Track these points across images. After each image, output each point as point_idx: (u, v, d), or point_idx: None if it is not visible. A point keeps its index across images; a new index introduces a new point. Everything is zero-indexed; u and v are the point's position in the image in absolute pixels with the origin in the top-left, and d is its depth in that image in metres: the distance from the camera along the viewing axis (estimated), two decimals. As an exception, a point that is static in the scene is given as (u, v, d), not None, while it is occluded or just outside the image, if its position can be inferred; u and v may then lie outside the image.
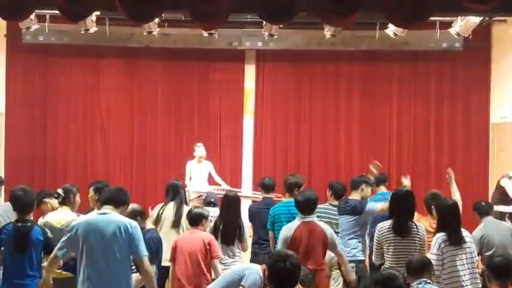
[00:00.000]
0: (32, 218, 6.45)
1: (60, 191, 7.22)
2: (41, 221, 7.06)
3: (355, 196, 8.05)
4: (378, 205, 7.91)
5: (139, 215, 6.60)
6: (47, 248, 6.23)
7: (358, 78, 13.52)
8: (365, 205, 7.84)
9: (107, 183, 7.79)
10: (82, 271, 5.52)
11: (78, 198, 7.36)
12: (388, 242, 6.48)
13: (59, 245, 5.69)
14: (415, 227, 6.51)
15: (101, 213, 5.65)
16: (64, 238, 5.66)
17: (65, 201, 7.17)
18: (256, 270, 5.67)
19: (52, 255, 5.73)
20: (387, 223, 6.57)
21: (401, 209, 6.56)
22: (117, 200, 5.73)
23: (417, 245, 6.44)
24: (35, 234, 6.23)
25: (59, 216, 7.03)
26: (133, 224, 5.59)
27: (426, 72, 13.43)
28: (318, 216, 7.53)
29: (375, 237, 6.65)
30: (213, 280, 6.39)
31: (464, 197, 9.91)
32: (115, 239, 5.46)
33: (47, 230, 6.45)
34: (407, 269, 5.55)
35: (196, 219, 7.20)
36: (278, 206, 7.93)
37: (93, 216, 5.73)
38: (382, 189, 9.28)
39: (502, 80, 13.02)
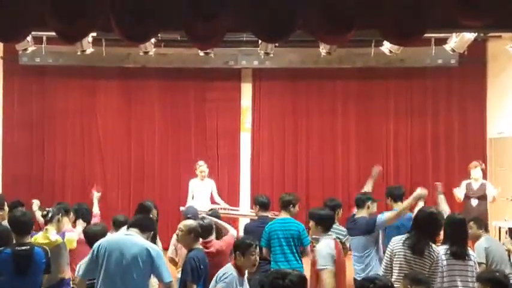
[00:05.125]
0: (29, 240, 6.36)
1: (50, 209, 7.23)
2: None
3: (362, 214, 7.84)
4: (385, 215, 7.72)
5: (194, 233, 6.55)
6: (47, 269, 6.22)
7: (354, 95, 13.56)
8: (376, 222, 7.62)
9: None
10: None
11: (66, 219, 7.38)
12: (399, 257, 6.23)
13: (84, 267, 5.69)
14: (432, 249, 6.22)
15: (127, 234, 5.66)
16: (89, 258, 5.68)
17: (52, 219, 7.18)
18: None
19: (78, 280, 5.75)
20: (399, 238, 6.36)
21: (424, 230, 6.29)
22: (144, 227, 5.80)
23: (428, 266, 6.14)
24: (37, 257, 6.15)
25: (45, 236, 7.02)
26: (155, 249, 5.65)
27: (422, 88, 13.47)
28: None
29: (387, 251, 6.39)
30: None
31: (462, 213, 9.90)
32: (135, 262, 5.49)
33: (48, 249, 6.39)
34: (416, 280, 5.34)
35: (208, 230, 7.20)
36: (274, 222, 7.93)
37: (117, 236, 5.75)
38: (399, 205, 8.47)
39: (498, 95, 13.06)
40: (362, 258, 7.66)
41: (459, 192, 11.07)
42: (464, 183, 11.22)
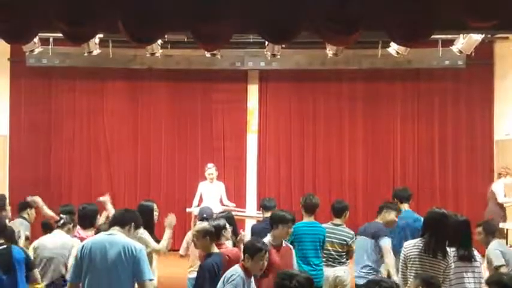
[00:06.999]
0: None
1: (64, 217, 7.37)
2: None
3: (378, 219, 7.62)
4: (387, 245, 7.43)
5: (210, 236, 6.44)
6: (29, 265, 6.42)
7: (361, 96, 13.54)
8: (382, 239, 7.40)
9: None
10: None
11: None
12: (414, 262, 6.15)
13: (71, 270, 5.73)
14: (447, 252, 6.13)
15: (108, 234, 5.66)
16: (74, 261, 5.70)
17: (63, 226, 7.35)
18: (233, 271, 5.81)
19: (69, 285, 5.75)
20: (412, 243, 6.27)
21: (437, 232, 6.15)
22: (123, 221, 5.70)
23: (443, 269, 6.07)
24: (16, 254, 6.31)
25: (53, 239, 7.20)
26: (138, 247, 5.55)
27: (429, 90, 13.44)
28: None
29: (401, 257, 6.29)
30: None
31: (470, 214, 9.89)
32: (119, 260, 5.45)
33: (25, 248, 6.58)
34: (429, 283, 5.28)
35: (217, 230, 7.11)
36: (299, 225, 7.64)
37: (99, 236, 5.75)
38: (405, 206, 8.55)
39: (505, 96, 13.03)
40: (363, 259, 7.49)
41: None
42: (499, 185, 11.46)
